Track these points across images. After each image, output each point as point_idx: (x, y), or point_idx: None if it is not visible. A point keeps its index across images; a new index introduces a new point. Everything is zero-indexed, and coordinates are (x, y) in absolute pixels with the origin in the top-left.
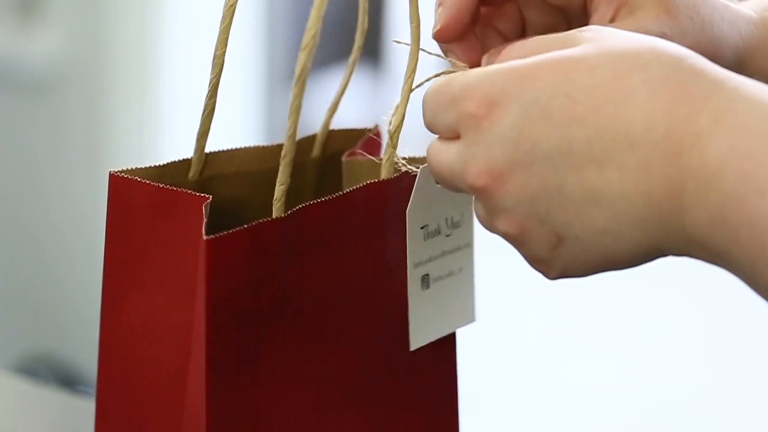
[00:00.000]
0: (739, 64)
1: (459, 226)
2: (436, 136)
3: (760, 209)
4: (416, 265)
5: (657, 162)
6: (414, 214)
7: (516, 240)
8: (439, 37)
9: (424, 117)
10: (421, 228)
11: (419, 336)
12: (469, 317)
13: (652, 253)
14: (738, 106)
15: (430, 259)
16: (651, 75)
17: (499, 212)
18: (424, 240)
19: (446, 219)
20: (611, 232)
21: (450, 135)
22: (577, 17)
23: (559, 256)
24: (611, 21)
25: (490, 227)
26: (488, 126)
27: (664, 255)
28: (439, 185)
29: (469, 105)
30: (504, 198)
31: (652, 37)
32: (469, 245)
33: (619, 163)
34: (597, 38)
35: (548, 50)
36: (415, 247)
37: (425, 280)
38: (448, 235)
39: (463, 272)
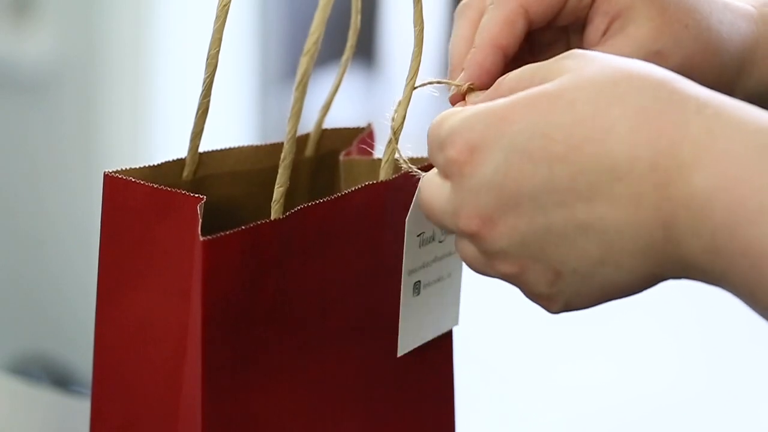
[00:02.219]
0: (740, 65)
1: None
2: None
3: (752, 238)
4: (410, 273)
5: (646, 193)
6: (413, 223)
7: (515, 279)
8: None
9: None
10: (418, 236)
11: (408, 342)
12: (453, 321)
13: (652, 279)
14: (719, 132)
15: (423, 266)
16: (629, 108)
17: (494, 255)
18: (419, 247)
19: None
20: (609, 263)
21: (444, 175)
22: (575, 32)
23: (559, 290)
24: (604, 33)
25: (486, 270)
26: (471, 172)
27: (665, 279)
28: None
29: (452, 151)
30: (496, 241)
31: (632, 61)
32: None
33: (608, 196)
34: (575, 68)
35: (532, 80)
36: (411, 255)
37: (417, 287)
38: (441, 241)
39: (452, 277)
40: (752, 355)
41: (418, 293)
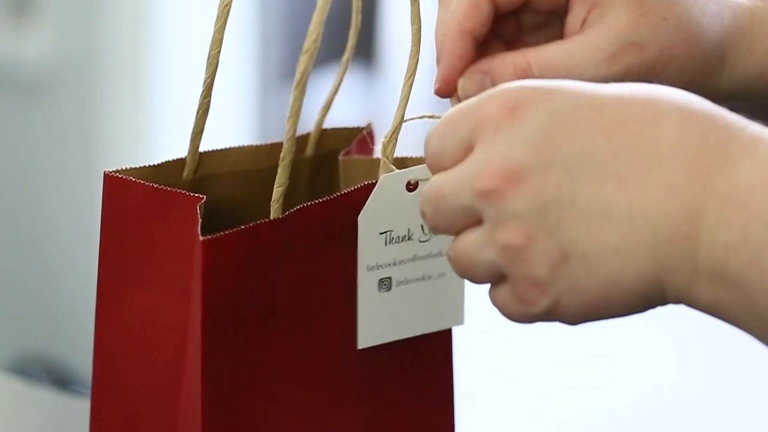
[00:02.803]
0: (722, 57)
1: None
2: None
3: None
4: (370, 269)
5: (682, 181)
6: (368, 220)
7: (516, 255)
8: (441, 93)
9: (426, 151)
10: (381, 233)
11: (369, 337)
12: (455, 319)
13: (651, 293)
14: (766, 142)
15: (394, 263)
16: (679, 104)
17: (506, 219)
18: (386, 245)
19: (421, 225)
20: (621, 253)
21: (458, 155)
22: (564, 15)
23: (559, 277)
24: (583, 22)
25: (486, 250)
26: (510, 126)
27: (663, 299)
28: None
29: (490, 108)
30: (515, 201)
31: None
32: None
33: (642, 179)
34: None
35: None
36: (370, 251)
37: (385, 283)
38: (423, 241)
39: (447, 277)
40: (753, 357)
41: (388, 289)
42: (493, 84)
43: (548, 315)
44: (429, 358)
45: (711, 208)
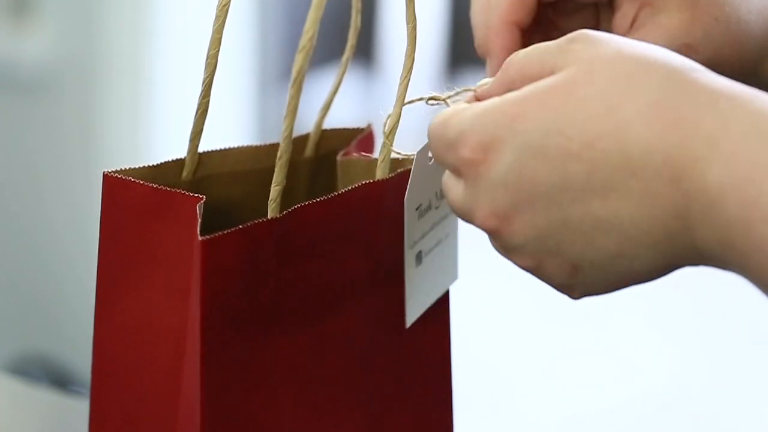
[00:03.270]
0: (763, 50)
1: (443, 196)
2: None
3: (766, 235)
4: (412, 245)
5: (660, 188)
6: (411, 198)
7: (534, 272)
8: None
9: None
10: (416, 209)
11: (415, 311)
12: (453, 276)
13: (670, 266)
14: (733, 126)
15: (422, 236)
16: (641, 102)
17: (512, 250)
18: (418, 219)
19: (435, 193)
20: (625, 256)
21: (455, 173)
22: (606, 12)
23: (578, 281)
24: (633, 21)
25: (508, 256)
26: (485, 171)
27: (683, 266)
28: (431, 164)
29: (464, 152)
30: (513, 237)
31: (642, 47)
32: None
33: (622, 191)
34: (586, 56)
35: (541, 66)
36: (411, 229)
37: (419, 257)
38: (436, 208)
39: (449, 237)
40: (751, 354)
41: (420, 262)
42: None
43: (585, 296)
44: (427, 358)
45: (694, 210)
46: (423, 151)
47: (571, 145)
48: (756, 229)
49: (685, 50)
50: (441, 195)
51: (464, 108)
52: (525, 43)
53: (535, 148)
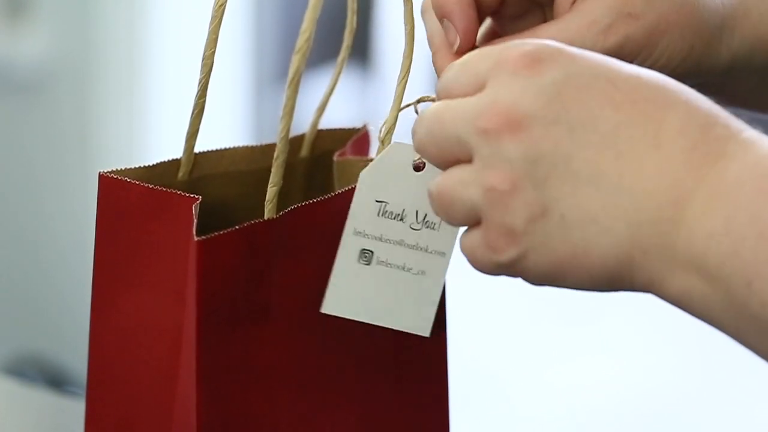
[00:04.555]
0: (721, 23)
1: (433, 228)
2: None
3: None
4: (357, 233)
5: (676, 167)
6: (369, 180)
7: (497, 199)
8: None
9: (441, 80)
10: (377, 201)
11: (334, 304)
12: (420, 327)
13: (619, 271)
14: (763, 142)
15: (380, 239)
16: (689, 97)
17: (497, 161)
18: (378, 215)
19: (416, 211)
20: (599, 223)
21: (470, 89)
22: (546, 2)
23: (532, 231)
24: (573, 2)
25: (471, 188)
26: (527, 74)
27: (630, 281)
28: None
29: (513, 52)
30: (510, 146)
31: None
32: (442, 254)
33: (639, 157)
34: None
35: None
36: (361, 215)
37: (365, 255)
38: (414, 228)
39: (426, 278)
40: (749, 354)
41: (368, 263)
42: None
43: (513, 267)
44: (423, 358)
45: (698, 197)
46: (400, 145)
47: (615, 95)
48: (765, 216)
49: (627, 19)
50: (425, 221)
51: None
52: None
53: (584, 80)
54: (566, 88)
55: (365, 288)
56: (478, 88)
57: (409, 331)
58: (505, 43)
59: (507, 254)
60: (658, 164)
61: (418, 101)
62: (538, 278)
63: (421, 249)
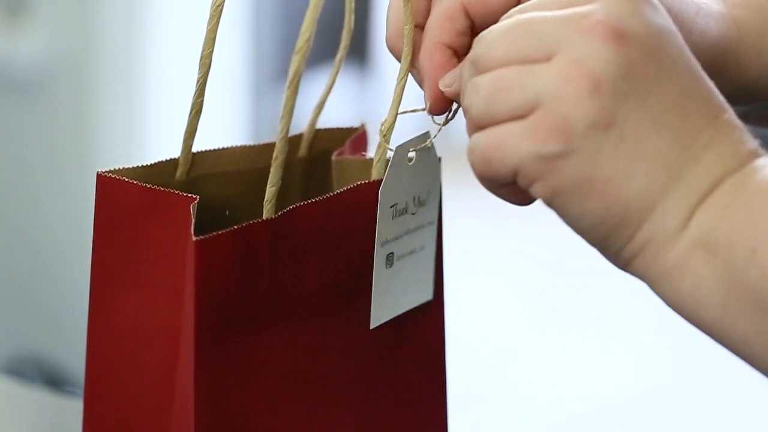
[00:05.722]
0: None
1: (424, 204)
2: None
3: None
4: (383, 244)
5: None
6: (386, 193)
7: (573, 92)
8: (434, 111)
9: (482, 45)
10: (391, 207)
11: (381, 314)
12: (426, 294)
13: (633, 217)
14: None
15: (396, 238)
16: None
17: (590, 59)
18: (393, 218)
19: (414, 197)
20: (647, 161)
21: (539, 54)
22: None
23: (589, 136)
24: None
25: (550, 71)
26: (636, 4)
27: (627, 237)
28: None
29: None
30: (611, 51)
31: None
32: (432, 223)
33: (696, 127)
34: None
35: None
36: (383, 226)
37: (390, 259)
38: (413, 214)
39: (425, 250)
40: None
41: (391, 265)
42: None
43: (548, 163)
44: (422, 358)
45: (733, 179)
46: (402, 148)
47: (692, 62)
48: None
49: None
50: (419, 201)
51: None
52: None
53: (678, 38)
54: (667, 35)
55: (394, 287)
56: (549, 55)
57: (419, 304)
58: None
59: (552, 147)
60: (711, 138)
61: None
62: (557, 189)
63: (419, 227)
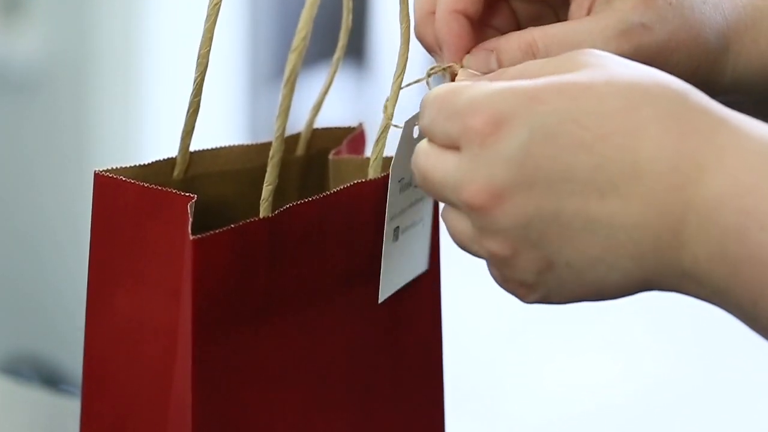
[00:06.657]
0: (725, 47)
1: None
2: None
3: (762, 244)
4: (392, 218)
5: (660, 194)
6: (396, 168)
7: (503, 261)
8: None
9: (420, 119)
10: (399, 181)
11: (387, 287)
12: (422, 265)
13: (641, 286)
14: (742, 142)
15: (401, 212)
16: (660, 110)
17: (491, 232)
18: (400, 193)
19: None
20: (605, 262)
21: (446, 144)
22: (562, 5)
23: (544, 281)
24: (588, 10)
25: (471, 246)
26: (493, 144)
27: (653, 289)
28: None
29: (475, 121)
30: (499, 219)
31: (655, 70)
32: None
33: (623, 193)
34: (599, 64)
35: (540, 74)
36: (393, 201)
37: (396, 232)
38: (415, 187)
39: (423, 221)
40: (746, 353)
41: (397, 239)
42: (499, 62)
43: (542, 303)
44: (418, 355)
45: (690, 221)
46: (410, 122)
47: (585, 135)
48: (752, 237)
49: (641, 29)
50: None
51: (476, 83)
52: (476, 34)
53: (550, 132)
54: (534, 147)
55: (400, 260)
56: (452, 146)
57: (415, 276)
58: (468, 100)
59: (530, 298)
60: (643, 195)
61: (429, 75)
62: (569, 302)
63: (419, 200)
